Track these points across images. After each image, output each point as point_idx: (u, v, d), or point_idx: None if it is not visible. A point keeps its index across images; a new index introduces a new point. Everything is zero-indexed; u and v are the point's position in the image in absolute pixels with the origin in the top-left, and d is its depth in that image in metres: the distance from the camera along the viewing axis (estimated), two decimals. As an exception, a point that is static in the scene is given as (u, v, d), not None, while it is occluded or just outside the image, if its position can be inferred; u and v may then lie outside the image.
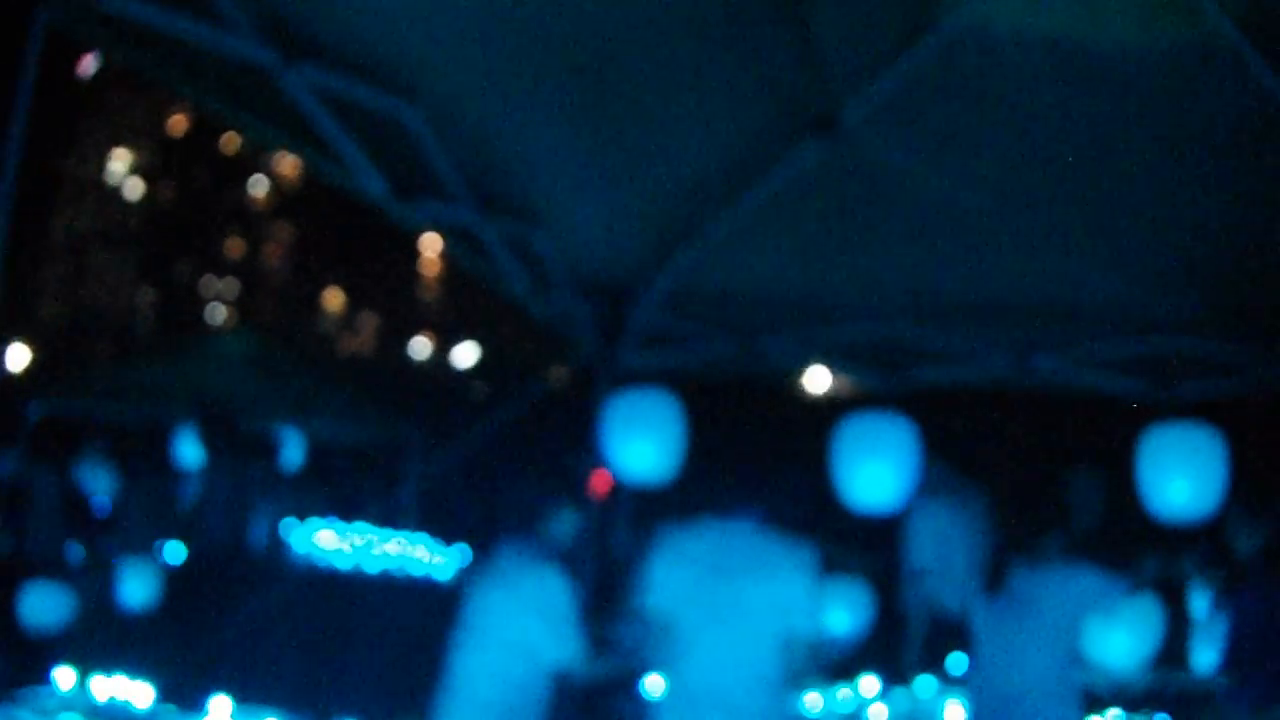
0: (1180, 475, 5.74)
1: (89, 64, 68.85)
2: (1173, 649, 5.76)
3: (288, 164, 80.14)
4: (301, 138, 4.76)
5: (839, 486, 6.10)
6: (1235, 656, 5.34)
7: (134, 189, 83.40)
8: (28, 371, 29.31)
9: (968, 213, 5.50)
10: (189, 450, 12.75)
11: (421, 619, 7.36)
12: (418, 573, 9.76)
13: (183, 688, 4.16)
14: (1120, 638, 4.93)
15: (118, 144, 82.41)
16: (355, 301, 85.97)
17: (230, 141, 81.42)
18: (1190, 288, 5.95)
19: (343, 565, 9.81)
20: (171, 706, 4.13)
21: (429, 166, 4.83)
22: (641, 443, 5.84)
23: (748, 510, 4.62)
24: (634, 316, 6.23)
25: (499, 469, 6.27)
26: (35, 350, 33.26)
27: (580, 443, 6.10)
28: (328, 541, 11.80)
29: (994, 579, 4.88)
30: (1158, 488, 5.66)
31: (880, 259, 5.94)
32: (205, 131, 79.33)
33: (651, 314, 6.32)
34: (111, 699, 4.14)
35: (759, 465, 4.65)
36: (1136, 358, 6.66)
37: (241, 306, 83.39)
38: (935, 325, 6.59)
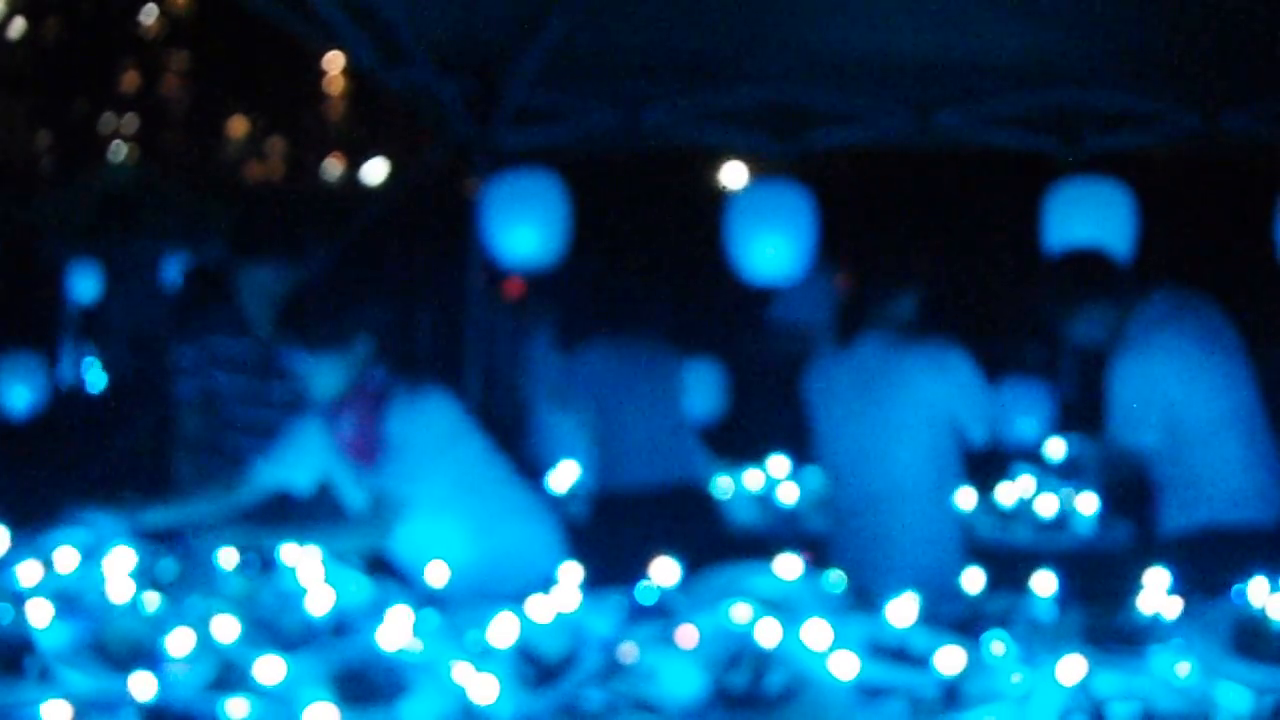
0: (1091, 231, 5.60)
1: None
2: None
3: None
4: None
5: (737, 259, 5.89)
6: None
7: (16, 28, 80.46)
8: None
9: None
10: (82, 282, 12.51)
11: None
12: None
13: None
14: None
15: (-5, -21, 79.34)
16: (260, 128, 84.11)
17: (114, -31, 78.56)
18: (1099, 37, 5.62)
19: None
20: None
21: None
22: (524, 227, 5.59)
23: None
24: (507, 92, 5.80)
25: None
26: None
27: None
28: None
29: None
30: (1065, 244, 5.50)
31: (768, 15, 5.52)
32: (86, -39, 76.46)
33: (525, 89, 5.85)
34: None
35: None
36: (1042, 112, 6.40)
37: (143, 141, 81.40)
38: (831, 85, 6.23)
